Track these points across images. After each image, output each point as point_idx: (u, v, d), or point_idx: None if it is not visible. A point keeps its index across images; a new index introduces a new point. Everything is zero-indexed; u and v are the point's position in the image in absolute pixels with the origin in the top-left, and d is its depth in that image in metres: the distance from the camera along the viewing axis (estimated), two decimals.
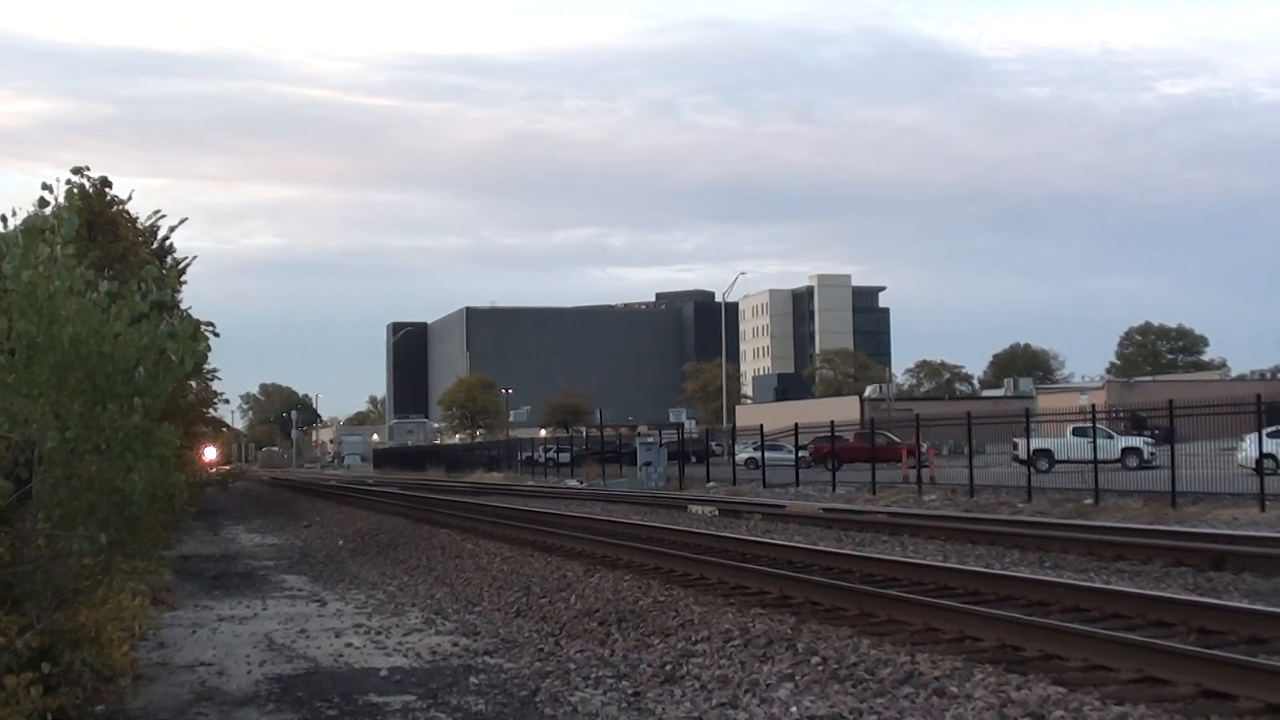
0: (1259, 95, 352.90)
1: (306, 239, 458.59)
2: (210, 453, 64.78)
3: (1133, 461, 52.71)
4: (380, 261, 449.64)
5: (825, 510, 38.14)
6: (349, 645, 16.55)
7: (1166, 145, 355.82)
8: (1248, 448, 40.46)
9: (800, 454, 62.82)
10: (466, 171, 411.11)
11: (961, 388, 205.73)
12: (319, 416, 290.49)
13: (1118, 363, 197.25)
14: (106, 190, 30.36)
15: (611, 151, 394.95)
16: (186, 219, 37.74)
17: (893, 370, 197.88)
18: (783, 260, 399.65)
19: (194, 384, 39.02)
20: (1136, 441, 55.35)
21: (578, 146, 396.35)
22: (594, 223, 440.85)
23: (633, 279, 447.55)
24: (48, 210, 11.34)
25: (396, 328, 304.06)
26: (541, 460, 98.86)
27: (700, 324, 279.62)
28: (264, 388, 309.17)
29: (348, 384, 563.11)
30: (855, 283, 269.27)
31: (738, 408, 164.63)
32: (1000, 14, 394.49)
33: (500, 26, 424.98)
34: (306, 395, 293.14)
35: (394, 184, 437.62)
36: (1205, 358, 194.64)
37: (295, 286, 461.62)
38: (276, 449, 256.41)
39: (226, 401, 69.00)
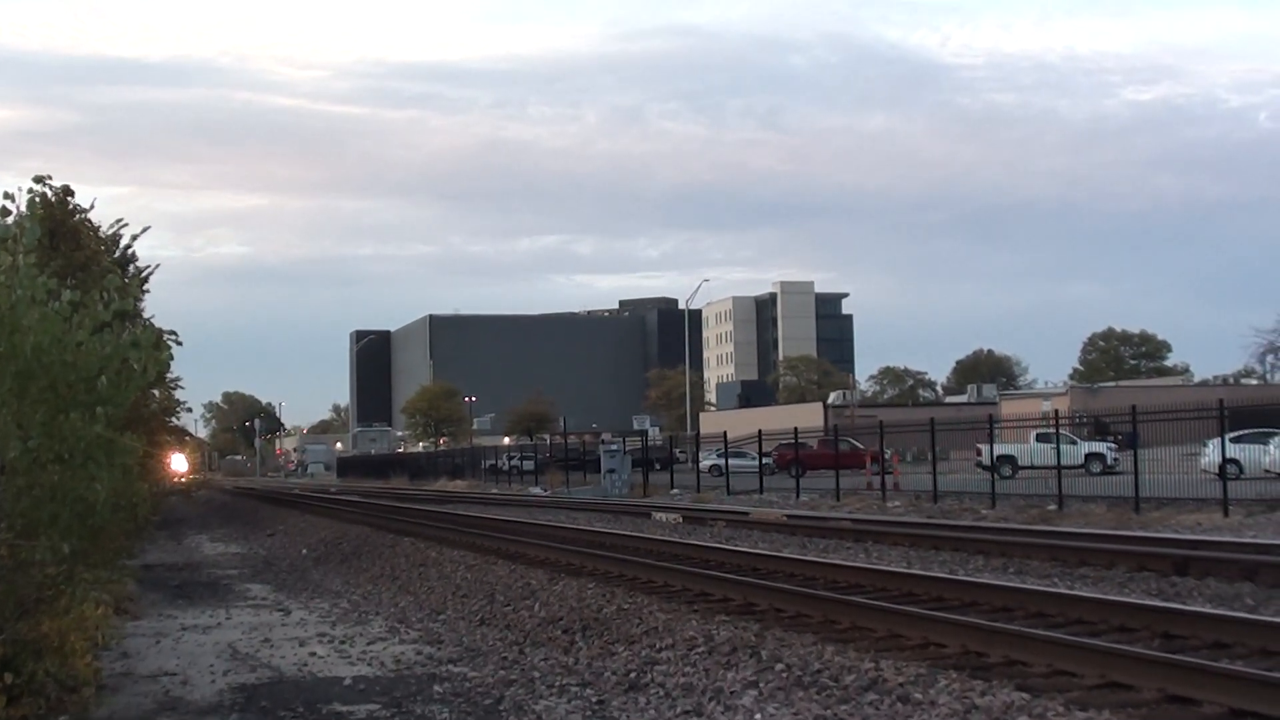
0: (1224, 101, 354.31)
1: (272, 247, 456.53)
2: (180, 462, 64.39)
3: (1096, 467, 52.96)
4: (346, 269, 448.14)
5: (789, 517, 38.18)
6: (313, 654, 16.50)
7: (1131, 151, 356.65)
8: (1211, 453, 40.66)
9: (764, 461, 62.96)
10: (432, 179, 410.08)
11: (925, 394, 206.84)
12: (282, 425, 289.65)
13: (1081, 368, 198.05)
14: (68, 199, 30.24)
15: (578, 159, 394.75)
16: (149, 227, 37.57)
17: (856, 377, 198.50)
18: (749, 267, 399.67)
19: (157, 393, 38.86)
20: (1100, 447, 55.66)
21: (544, 154, 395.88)
22: (560, 230, 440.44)
23: (599, 286, 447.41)
24: (9, 219, 11.30)
25: (359, 336, 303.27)
26: (505, 468, 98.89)
27: (664, 331, 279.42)
28: (227, 396, 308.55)
29: (311, 392, 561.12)
30: (822, 289, 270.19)
31: (701, 415, 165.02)
32: (965, 21, 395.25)
33: (466, 34, 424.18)
34: (270, 403, 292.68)
35: (360, 192, 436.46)
36: (1168, 363, 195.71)
37: (260, 295, 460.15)
38: (239, 457, 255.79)
39: (189, 410, 68.72)
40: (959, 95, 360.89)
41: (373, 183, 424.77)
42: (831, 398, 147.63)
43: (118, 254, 34.77)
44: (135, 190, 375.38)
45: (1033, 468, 49.61)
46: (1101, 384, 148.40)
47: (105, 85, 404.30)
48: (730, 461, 63.77)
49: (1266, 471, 41.83)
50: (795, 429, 62.07)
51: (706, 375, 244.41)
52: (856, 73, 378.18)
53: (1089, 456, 54.30)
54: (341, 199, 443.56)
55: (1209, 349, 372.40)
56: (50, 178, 12.89)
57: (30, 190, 11.86)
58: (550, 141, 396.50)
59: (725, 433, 67.96)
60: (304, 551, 35.76)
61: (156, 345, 11.94)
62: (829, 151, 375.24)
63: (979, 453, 53.06)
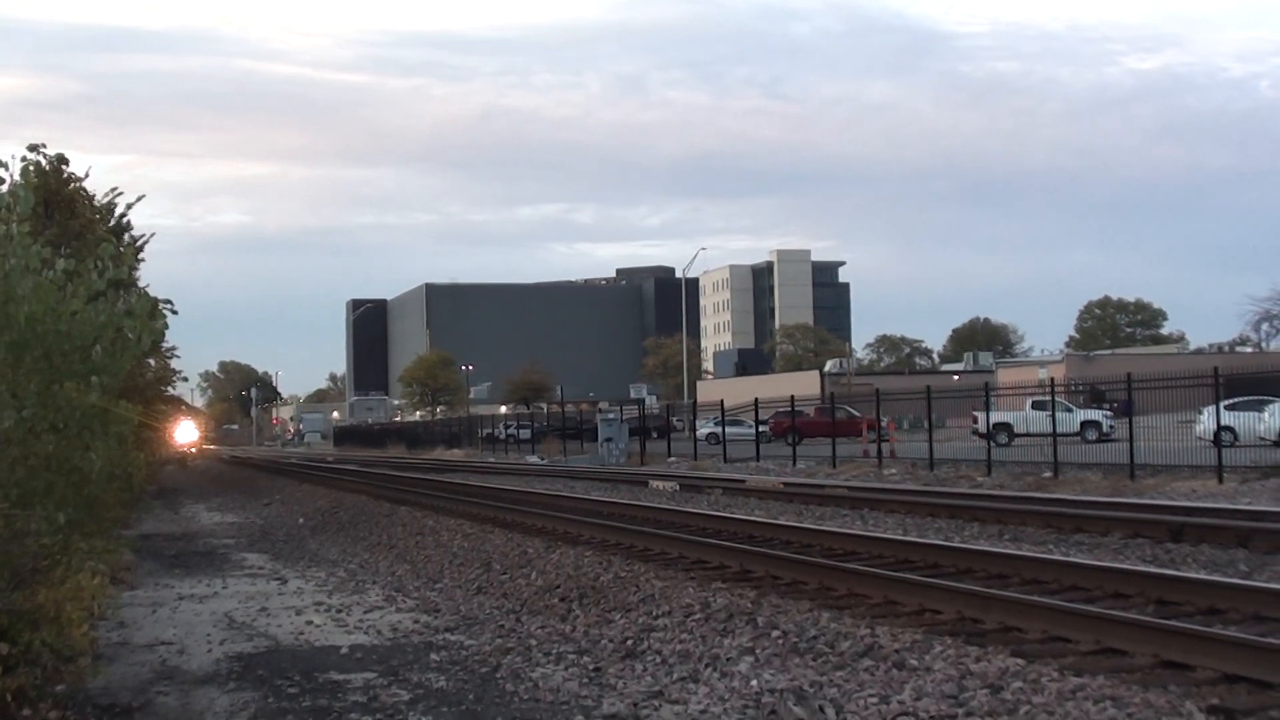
0: (1225, 70, 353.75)
1: (273, 216, 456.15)
2: (190, 431, 63.79)
3: (1092, 434, 53.08)
4: (347, 238, 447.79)
5: (786, 485, 38.22)
6: (310, 623, 16.50)
7: (1133, 120, 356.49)
8: (1206, 420, 40.71)
9: (761, 429, 62.99)
10: (434, 148, 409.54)
11: (921, 362, 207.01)
12: (279, 394, 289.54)
13: (1077, 336, 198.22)
14: (63, 167, 30.16)
15: (580, 127, 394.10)
16: (144, 196, 37.53)
17: (853, 345, 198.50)
18: (750, 236, 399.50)
19: (152, 362, 38.83)
20: (1095, 415, 55.73)
21: (546, 122, 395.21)
22: (561, 199, 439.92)
23: (599, 255, 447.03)
24: (3, 188, 11.27)
25: (356, 305, 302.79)
26: (502, 437, 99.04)
27: (661, 300, 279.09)
28: (223, 365, 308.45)
29: (308, 361, 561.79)
30: (821, 257, 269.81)
31: (698, 383, 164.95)
32: None
33: (469, 2, 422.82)
34: (266, 373, 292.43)
35: (362, 160, 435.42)
36: (1164, 331, 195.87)
37: (259, 264, 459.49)
38: (235, 427, 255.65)
39: (185, 380, 68.65)
40: (961, 63, 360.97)
41: (374, 151, 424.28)
42: (828, 366, 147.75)
43: (113, 222, 34.71)
44: (136, 159, 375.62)
45: (1029, 435, 49.63)
46: (1097, 352, 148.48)
47: (107, 53, 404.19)
48: (727, 430, 63.80)
49: (1261, 439, 41.81)
50: (792, 397, 62.06)
51: (704, 344, 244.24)
52: (860, 41, 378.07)
53: (1085, 424, 54.39)
54: (343, 168, 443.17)
55: (1205, 317, 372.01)
56: (45, 146, 12.87)
57: (24, 158, 11.80)
58: (553, 110, 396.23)
59: (722, 401, 67.97)
60: (301, 521, 35.76)
61: (151, 314, 11.89)
62: (831, 120, 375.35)
63: (975, 420, 53.10)
